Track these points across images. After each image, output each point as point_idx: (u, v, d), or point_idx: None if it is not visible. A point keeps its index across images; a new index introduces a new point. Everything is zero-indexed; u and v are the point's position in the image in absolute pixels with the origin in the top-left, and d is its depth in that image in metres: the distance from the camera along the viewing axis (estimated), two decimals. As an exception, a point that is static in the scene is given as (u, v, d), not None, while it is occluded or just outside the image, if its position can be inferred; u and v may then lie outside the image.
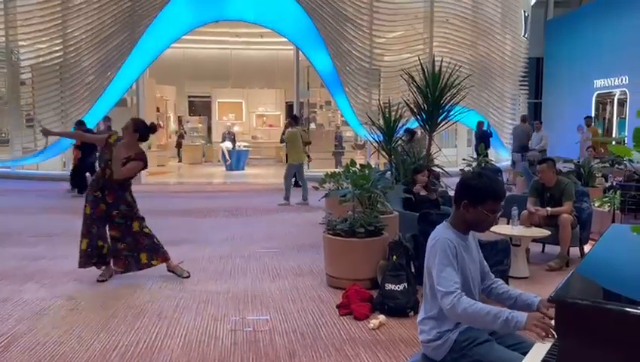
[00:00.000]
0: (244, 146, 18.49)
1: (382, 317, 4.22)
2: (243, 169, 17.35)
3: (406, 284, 4.46)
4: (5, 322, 4.17)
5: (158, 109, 18.42)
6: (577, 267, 2.11)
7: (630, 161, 8.46)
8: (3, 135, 15.67)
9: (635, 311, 1.60)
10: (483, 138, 14.44)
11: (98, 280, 5.25)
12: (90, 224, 5.18)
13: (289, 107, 19.13)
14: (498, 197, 2.39)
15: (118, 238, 5.26)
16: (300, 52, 14.34)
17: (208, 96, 20.89)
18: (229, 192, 10.94)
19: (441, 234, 2.41)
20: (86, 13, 13.61)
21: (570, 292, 1.83)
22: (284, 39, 14.52)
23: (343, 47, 14.31)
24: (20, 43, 14.44)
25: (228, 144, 17.78)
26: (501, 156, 17.72)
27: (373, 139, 8.43)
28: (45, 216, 9.14)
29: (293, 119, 10.72)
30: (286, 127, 10.53)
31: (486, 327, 2.29)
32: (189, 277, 5.42)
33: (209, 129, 21.15)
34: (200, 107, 21.73)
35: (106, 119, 11.77)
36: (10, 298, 4.75)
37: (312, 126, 17.88)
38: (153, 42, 13.37)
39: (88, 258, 5.19)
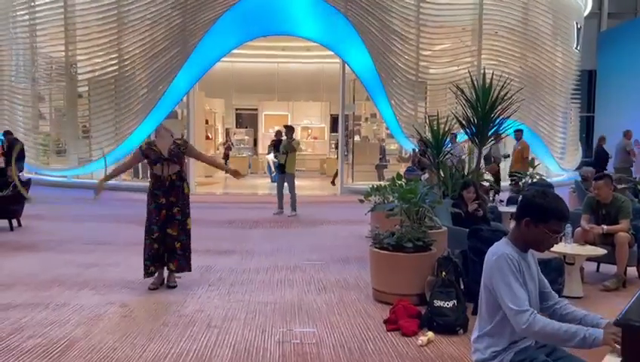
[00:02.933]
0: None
1: (430, 334, 4.16)
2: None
3: (455, 301, 4.39)
4: (64, 326, 4.33)
5: (206, 121, 18.83)
6: (642, 289, 2.04)
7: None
8: (60, 145, 16.32)
9: None
10: (600, 155, 13.79)
11: (150, 289, 5.38)
12: (147, 234, 5.36)
13: (334, 120, 19.19)
14: (563, 218, 2.34)
15: (175, 237, 5.38)
16: (345, 65, 14.41)
17: (255, 109, 21.20)
18: (274, 203, 11.03)
19: (502, 250, 2.37)
20: (140, 29, 14.10)
21: (636, 315, 1.76)
22: (330, 52, 14.62)
23: (390, 60, 14.29)
24: (78, 57, 15.07)
25: (272, 156, 17.97)
26: (551, 171, 17.25)
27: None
28: (99, 224, 9.44)
29: (290, 130, 10.87)
30: (284, 136, 10.64)
31: (562, 344, 2.26)
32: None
33: (255, 141, 21.45)
34: (247, 119, 22.08)
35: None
36: (67, 303, 4.93)
37: (357, 138, 17.88)
38: (203, 57, 13.71)
39: (147, 266, 5.38)
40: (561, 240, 5.56)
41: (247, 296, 5.29)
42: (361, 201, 7.56)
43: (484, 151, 12.64)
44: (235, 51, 14.78)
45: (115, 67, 14.43)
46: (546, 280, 2.52)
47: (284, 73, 20.34)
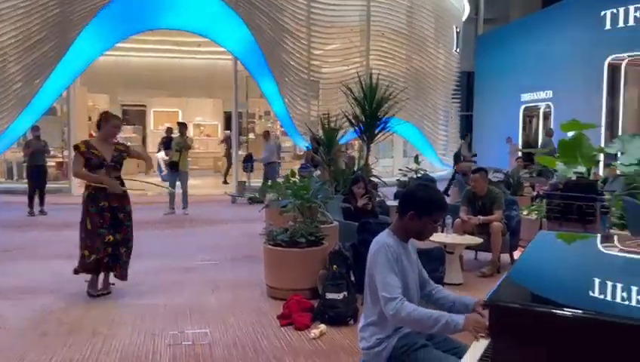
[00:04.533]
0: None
1: (323, 327, 4.25)
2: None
3: (346, 293, 4.53)
4: None
5: (89, 118, 17.79)
6: (508, 272, 2.23)
7: (555, 171, 8.94)
8: None
9: (562, 312, 1.70)
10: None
11: (93, 295, 5.06)
12: (95, 238, 4.99)
13: (227, 117, 18.96)
14: (444, 208, 2.53)
15: (121, 242, 5.11)
16: (238, 62, 14.29)
17: (143, 105, 20.38)
18: (165, 203, 10.70)
19: (383, 240, 2.48)
20: (11, 18, 13.00)
21: (502, 296, 1.92)
22: (223, 49, 14.43)
23: (282, 58, 14.37)
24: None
25: (163, 154, 17.39)
26: (435, 166, 18.29)
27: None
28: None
29: (184, 127, 10.79)
30: (174, 133, 10.55)
31: (428, 331, 2.37)
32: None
33: (144, 139, 20.61)
34: (134, 116, 21.13)
35: (35, 128, 11.22)
36: None
37: (251, 136, 17.81)
38: (84, 50, 12.94)
39: (89, 269, 5.05)
40: (442, 231, 5.94)
41: (136, 299, 5.08)
42: (250, 202, 7.55)
43: (463, 149, 13.47)
44: (120, 45, 14.11)
45: (-17, 59, 13.19)
46: (423, 268, 2.68)
47: (175, 68, 19.71)
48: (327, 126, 8.20)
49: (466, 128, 21.86)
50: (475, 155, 14.67)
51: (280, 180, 8.81)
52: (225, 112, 19.81)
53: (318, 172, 9.75)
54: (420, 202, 2.48)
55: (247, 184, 13.17)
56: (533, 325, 1.72)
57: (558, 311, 1.71)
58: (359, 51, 15.72)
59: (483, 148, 16.27)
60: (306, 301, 4.66)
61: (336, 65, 15.53)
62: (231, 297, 5.19)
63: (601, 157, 9.72)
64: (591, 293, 1.96)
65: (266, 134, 13.73)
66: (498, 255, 6.09)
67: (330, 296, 4.50)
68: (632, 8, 14.48)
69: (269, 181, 12.30)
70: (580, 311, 1.69)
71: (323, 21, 15.01)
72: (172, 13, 13.24)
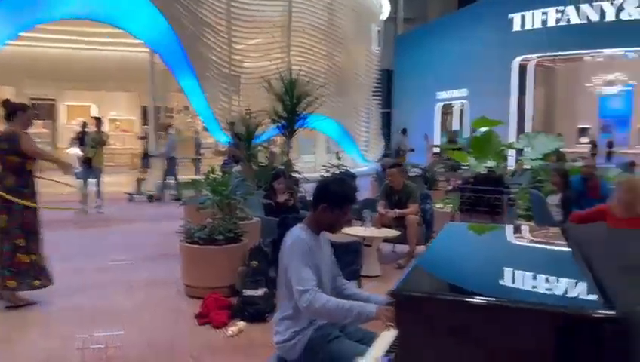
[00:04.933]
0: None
1: (241, 324, 4.22)
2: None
3: (266, 289, 4.51)
4: None
5: (-7, 112, 16.62)
6: (416, 262, 2.30)
7: (467, 165, 9.35)
8: None
9: (466, 299, 1.77)
10: None
11: (18, 305, 4.65)
12: (37, 237, 4.67)
13: (144, 112, 18.32)
14: (354, 201, 2.62)
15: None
16: (155, 54, 13.83)
17: (52, 99, 19.29)
18: (79, 202, 10.19)
19: (296, 234, 2.50)
20: None
21: (408, 285, 1.97)
22: (139, 40, 13.91)
23: (202, 52, 14.06)
24: None
25: (78, 150, 16.55)
26: (357, 163, 18.62)
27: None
28: None
29: (99, 121, 10.50)
30: (89, 128, 10.28)
31: (341, 321, 2.41)
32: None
33: (54, 134, 19.50)
34: (44, 111, 19.94)
35: None
36: None
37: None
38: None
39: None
40: (362, 225, 6.05)
41: (46, 302, 4.81)
42: (150, 200, 7.34)
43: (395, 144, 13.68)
44: (27, 34, 13.25)
45: None
46: (335, 261, 2.71)
47: (87, 60, 18.78)
48: (248, 121, 8.14)
49: (387, 125, 22.40)
50: (413, 150, 15.13)
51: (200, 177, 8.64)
52: (142, 107, 19.13)
53: (239, 167, 9.67)
54: (332, 195, 2.52)
55: (144, 181, 12.74)
56: (437, 313, 1.78)
57: (461, 299, 1.78)
58: (280, 47, 15.68)
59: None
60: (223, 299, 4.61)
61: (258, 61, 15.40)
62: (146, 297, 5.03)
63: (511, 152, 10.28)
64: (497, 281, 2.05)
65: (167, 127, 13.49)
66: (414, 247, 6.28)
67: (248, 292, 4.48)
68: (538, 12, 15.41)
69: (170, 177, 12.00)
70: (485, 299, 1.75)
71: (245, 15, 14.83)
72: (82, 1, 12.58)
